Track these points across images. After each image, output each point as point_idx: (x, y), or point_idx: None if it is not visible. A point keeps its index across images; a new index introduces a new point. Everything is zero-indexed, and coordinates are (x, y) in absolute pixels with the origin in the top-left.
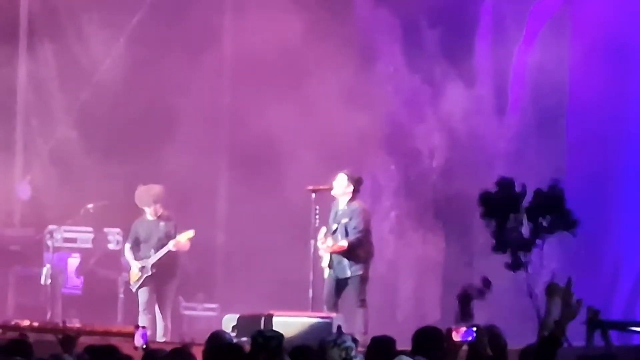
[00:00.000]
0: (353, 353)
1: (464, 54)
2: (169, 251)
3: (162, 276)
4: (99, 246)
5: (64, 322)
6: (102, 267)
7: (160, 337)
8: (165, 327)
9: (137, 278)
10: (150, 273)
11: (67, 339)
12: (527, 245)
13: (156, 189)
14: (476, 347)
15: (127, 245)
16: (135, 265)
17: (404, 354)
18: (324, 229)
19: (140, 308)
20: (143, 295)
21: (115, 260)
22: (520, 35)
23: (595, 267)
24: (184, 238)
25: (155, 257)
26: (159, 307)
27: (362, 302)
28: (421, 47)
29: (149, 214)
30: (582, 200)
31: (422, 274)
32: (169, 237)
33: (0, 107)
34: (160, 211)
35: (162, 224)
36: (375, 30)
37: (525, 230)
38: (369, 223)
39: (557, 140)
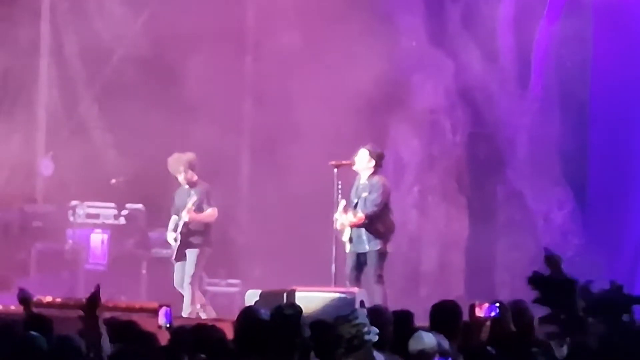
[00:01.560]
0: (365, 329)
1: (487, 29)
2: (197, 218)
3: (190, 244)
4: (121, 222)
5: (91, 295)
6: (125, 243)
7: (186, 309)
8: (192, 297)
9: (173, 250)
10: (179, 242)
11: (92, 312)
12: None
13: (188, 156)
14: (500, 323)
15: (172, 218)
16: (170, 237)
17: (422, 330)
18: (343, 202)
19: (175, 281)
20: (177, 268)
21: (138, 236)
22: (543, 10)
23: (618, 243)
24: (190, 204)
25: (180, 226)
26: (186, 280)
27: (379, 278)
28: (444, 22)
29: (182, 181)
30: (605, 175)
31: (445, 249)
32: (200, 203)
33: (23, 83)
34: (194, 179)
35: (192, 191)
36: (397, 4)
37: None
38: (389, 198)
39: (580, 115)
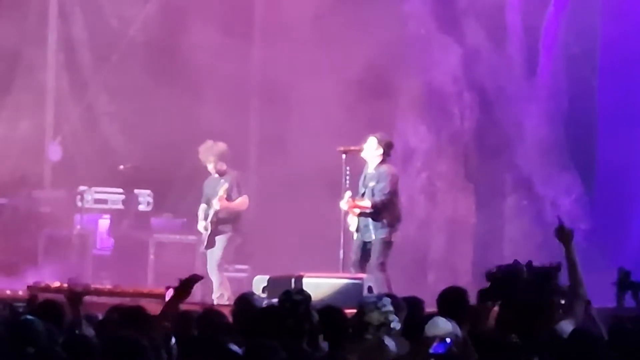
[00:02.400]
0: (391, 317)
1: (495, 15)
2: (229, 206)
3: (220, 232)
4: (130, 207)
5: (70, 281)
6: (132, 228)
7: (216, 293)
8: (220, 281)
9: (203, 238)
10: (209, 231)
11: (73, 297)
12: None
13: (219, 146)
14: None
15: (201, 206)
16: (200, 225)
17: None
18: (348, 193)
19: (208, 268)
20: (208, 255)
21: (146, 221)
22: None
23: (626, 228)
24: (221, 191)
25: (211, 215)
26: (214, 265)
27: (381, 266)
28: (452, 8)
29: (210, 170)
30: (613, 161)
31: (453, 235)
32: (230, 191)
33: (31, 69)
34: (224, 168)
35: (222, 180)
36: None
37: None
38: (397, 187)
39: (588, 101)
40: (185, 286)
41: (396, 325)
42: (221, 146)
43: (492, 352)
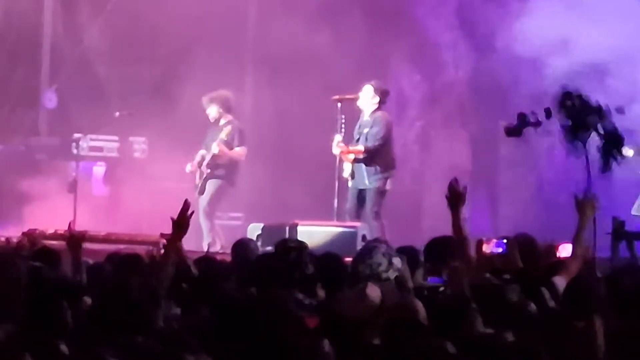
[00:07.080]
0: (382, 267)
1: None
2: (227, 153)
3: (213, 176)
4: (125, 155)
5: (69, 225)
6: (127, 175)
7: (205, 239)
8: (209, 227)
9: (196, 182)
10: (205, 175)
11: (74, 242)
12: None
13: (220, 92)
14: (507, 259)
15: (200, 152)
16: (188, 167)
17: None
18: (338, 137)
19: (200, 215)
20: (201, 199)
21: (140, 169)
22: None
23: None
24: (223, 134)
25: (207, 159)
26: (202, 210)
27: (376, 215)
28: None
29: (209, 115)
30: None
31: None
32: (230, 140)
33: (27, 16)
34: (223, 116)
35: (224, 128)
36: None
37: None
38: (390, 133)
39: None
40: (181, 218)
41: (391, 274)
42: (221, 92)
43: (486, 298)
